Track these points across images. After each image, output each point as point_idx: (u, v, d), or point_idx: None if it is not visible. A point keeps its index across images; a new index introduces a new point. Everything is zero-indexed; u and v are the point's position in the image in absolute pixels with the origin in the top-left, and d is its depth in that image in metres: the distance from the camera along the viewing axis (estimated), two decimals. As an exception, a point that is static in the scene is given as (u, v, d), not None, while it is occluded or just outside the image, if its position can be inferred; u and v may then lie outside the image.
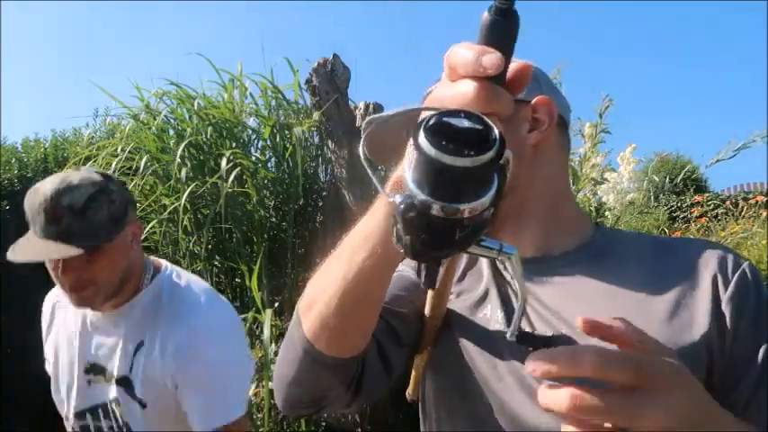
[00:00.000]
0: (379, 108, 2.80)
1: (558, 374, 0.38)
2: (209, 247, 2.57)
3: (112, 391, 1.12)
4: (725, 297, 0.61)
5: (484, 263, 0.76)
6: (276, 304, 2.48)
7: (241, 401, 1.12)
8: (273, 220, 2.80)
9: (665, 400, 0.39)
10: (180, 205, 2.37)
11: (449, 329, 0.71)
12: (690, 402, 0.41)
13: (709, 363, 0.59)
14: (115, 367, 1.12)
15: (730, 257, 0.64)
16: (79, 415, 1.16)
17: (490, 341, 0.66)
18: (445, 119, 0.32)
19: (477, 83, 0.37)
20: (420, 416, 0.76)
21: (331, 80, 2.70)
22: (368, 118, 0.73)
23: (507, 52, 0.36)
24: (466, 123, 0.32)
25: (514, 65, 0.40)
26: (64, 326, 1.21)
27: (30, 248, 1.03)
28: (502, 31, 0.35)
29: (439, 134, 0.31)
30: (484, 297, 0.71)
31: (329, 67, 2.71)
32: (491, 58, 0.36)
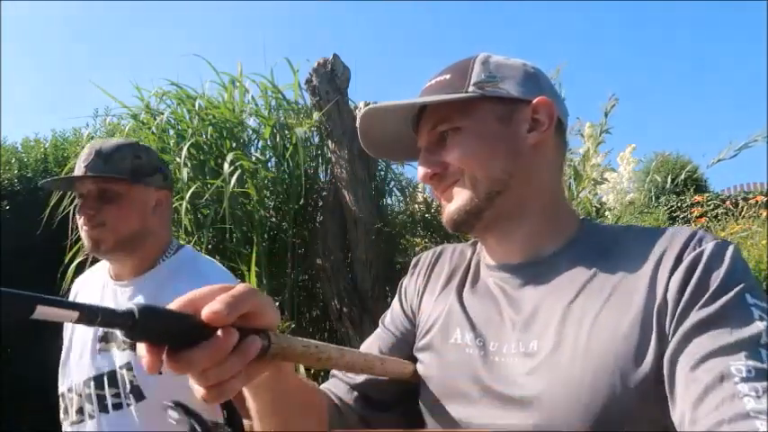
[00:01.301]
0: (379, 108, 2.80)
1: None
2: (209, 247, 2.57)
3: (124, 357, 1.13)
4: (673, 277, 0.58)
5: (456, 281, 0.78)
6: (276, 304, 2.47)
7: None
8: (273, 220, 2.80)
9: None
10: (182, 206, 2.38)
11: (429, 362, 0.73)
12: None
13: (659, 351, 0.56)
14: None
15: (696, 238, 0.61)
16: (83, 384, 1.16)
17: (467, 365, 0.68)
18: None
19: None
20: None
21: (331, 80, 2.70)
22: (363, 109, 0.75)
23: (166, 337, 0.42)
24: None
25: (204, 311, 0.44)
26: (85, 299, 1.26)
27: (62, 180, 1.30)
28: (144, 335, 0.41)
29: None
30: (451, 320, 0.73)
31: (329, 67, 2.71)
32: (145, 368, 0.42)
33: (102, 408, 1.12)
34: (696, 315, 0.54)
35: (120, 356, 1.14)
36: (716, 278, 0.56)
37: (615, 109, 2.30)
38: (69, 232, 2.39)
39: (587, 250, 0.68)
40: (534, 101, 0.70)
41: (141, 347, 0.42)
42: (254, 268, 2.38)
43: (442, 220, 0.74)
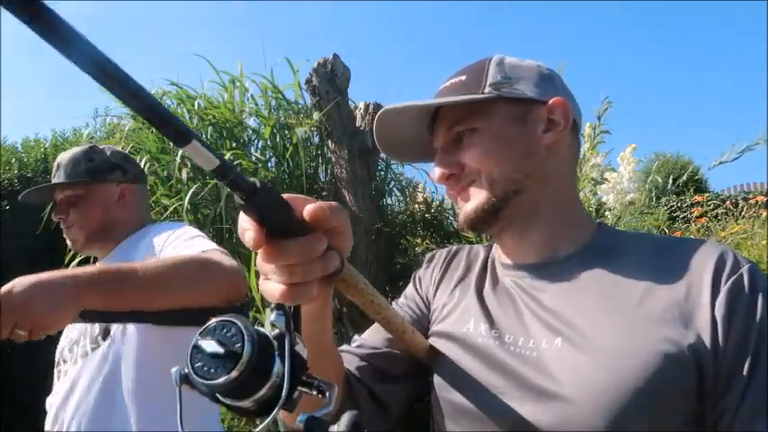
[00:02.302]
0: (378, 108, 2.80)
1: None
2: (210, 247, 2.57)
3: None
4: (717, 302, 0.59)
5: (473, 276, 0.79)
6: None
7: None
8: (273, 220, 2.80)
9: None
10: (183, 206, 2.38)
11: (440, 351, 0.73)
12: None
13: (698, 367, 0.58)
14: None
15: (729, 260, 0.62)
16: (68, 350, 1.21)
17: (478, 353, 0.68)
18: (197, 343, 0.39)
19: (260, 250, 0.43)
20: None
21: (331, 80, 2.70)
22: (379, 111, 0.76)
23: (272, 219, 0.42)
24: (212, 346, 0.38)
25: (309, 208, 0.43)
26: None
27: (36, 193, 1.37)
28: (254, 211, 0.41)
29: (193, 363, 0.39)
30: (467, 311, 0.74)
31: (329, 67, 2.71)
32: (245, 238, 0.42)
33: (74, 362, 1.17)
34: (740, 348, 0.57)
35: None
36: (760, 314, 0.58)
37: (612, 111, 2.30)
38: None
39: (605, 255, 0.69)
40: (550, 102, 0.70)
41: (247, 221, 0.42)
42: (253, 268, 2.37)
43: (459, 220, 0.75)
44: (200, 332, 0.40)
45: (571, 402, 0.58)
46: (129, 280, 0.94)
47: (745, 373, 0.56)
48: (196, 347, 0.39)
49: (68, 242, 1.34)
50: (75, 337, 1.22)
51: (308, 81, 2.75)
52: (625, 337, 0.59)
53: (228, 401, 0.39)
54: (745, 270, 0.60)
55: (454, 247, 0.86)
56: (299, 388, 0.40)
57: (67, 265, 2.51)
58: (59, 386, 1.19)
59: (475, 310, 0.72)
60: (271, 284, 0.45)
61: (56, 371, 1.25)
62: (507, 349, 0.66)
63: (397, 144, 0.81)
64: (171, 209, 2.52)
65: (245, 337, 0.38)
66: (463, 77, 0.72)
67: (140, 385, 1.11)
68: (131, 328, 1.14)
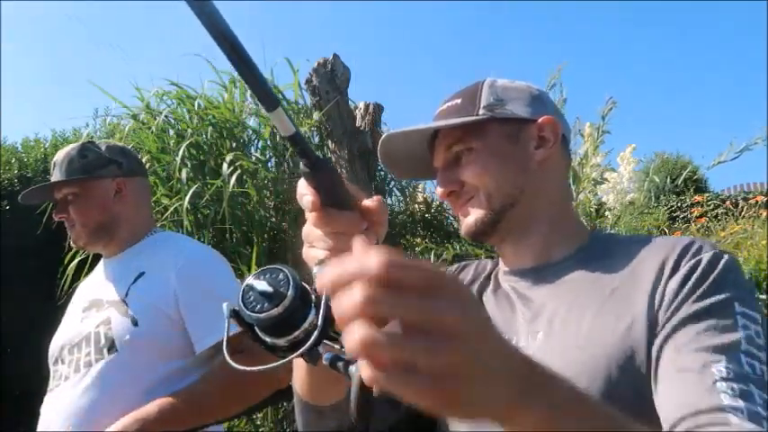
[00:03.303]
0: (378, 108, 2.80)
1: (348, 276, 0.33)
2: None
3: (102, 316, 1.20)
4: (672, 280, 0.62)
5: (476, 284, 0.84)
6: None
7: None
8: (273, 220, 2.80)
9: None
10: (182, 206, 2.38)
11: None
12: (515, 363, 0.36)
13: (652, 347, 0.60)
14: (110, 294, 1.23)
15: (695, 246, 0.65)
16: (66, 351, 1.22)
17: None
18: (250, 282, 0.46)
19: (311, 216, 0.49)
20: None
21: (331, 80, 2.70)
22: (383, 135, 0.81)
23: (331, 189, 0.48)
24: (263, 285, 0.45)
25: (370, 200, 0.50)
26: (89, 279, 1.40)
27: (34, 194, 1.38)
28: (314, 180, 0.47)
29: (244, 299, 0.46)
30: None
31: (329, 67, 2.71)
32: (303, 201, 0.48)
33: (76, 369, 1.17)
34: (686, 310, 0.60)
35: (97, 316, 1.21)
36: (710, 283, 0.61)
37: (613, 111, 2.30)
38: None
39: (594, 255, 0.73)
40: (540, 120, 0.76)
41: (306, 187, 0.48)
42: (254, 268, 2.38)
43: (461, 231, 0.80)
44: (254, 274, 0.47)
45: None
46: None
47: (682, 324, 0.59)
48: (248, 285, 0.46)
49: (72, 240, 1.34)
50: (76, 340, 1.21)
51: (308, 81, 2.75)
52: (611, 331, 0.63)
53: (267, 338, 0.46)
54: (706, 255, 0.63)
55: (463, 263, 0.92)
56: (325, 341, 0.45)
57: (67, 265, 2.50)
58: (57, 391, 1.18)
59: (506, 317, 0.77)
60: (315, 251, 0.50)
61: (52, 369, 1.24)
62: None
63: (402, 164, 0.88)
64: (171, 209, 2.52)
65: (291, 283, 0.45)
66: (458, 101, 0.79)
67: (141, 400, 1.10)
68: (138, 342, 1.15)
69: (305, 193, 0.48)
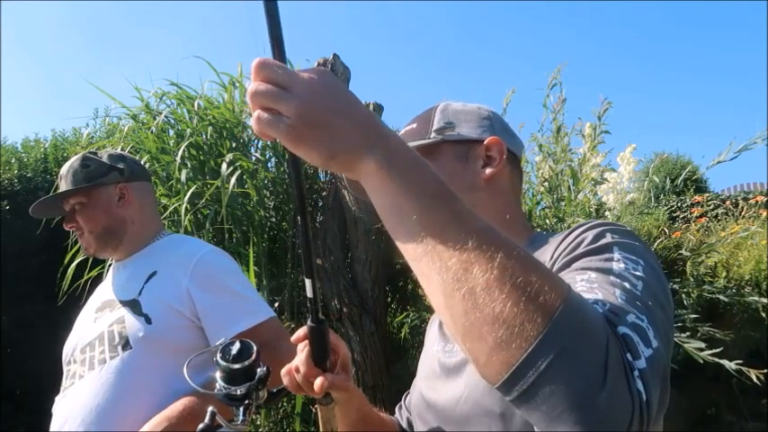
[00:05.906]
0: (378, 108, 2.80)
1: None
2: (209, 247, 2.57)
3: (115, 315, 1.22)
4: (554, 254, 0.66)
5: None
6: (276, 304, 2.48)
7: (264, 306, 1.28)
8: (273, 220, 2.80)
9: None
10: (182, 206, 2.38)
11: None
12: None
13: None
14: (123, 294, 1.26)
15: (588, 224, 0.68)
16: (79, 351, 1.23)
17: (431, 365, 0.84)
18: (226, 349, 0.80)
19: (304, 365, 0.76)
20: None
21: (331, 80, 2.70)
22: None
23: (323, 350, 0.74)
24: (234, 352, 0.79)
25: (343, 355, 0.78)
26: (104, 282, 1.42)
27: (45, 206, 1.42)
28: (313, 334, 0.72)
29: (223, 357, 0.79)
30: (430, 335, 0.92)
31: (329, 67, 2.71)
32: (299, 347, 0.77)
33: (90, 366, 1.18)
34: (564, 259, 0.64)
35: (110, 316, 1.22)
36: (592, 236, 0.65)
37: (612, 111, 2.30)
38: (69, 233, 2.39)
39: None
40: (486, 141, 0.82)
41: (303, 350, 0.73)
42: (253, 268, 2.38)
43: None
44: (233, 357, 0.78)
45: (475, 376, 0.68)
46: None
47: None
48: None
49: (83, 249, 1.40)
50: (89, 339, 1.22)
51: (308, 81, 2.74)
52: None
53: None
54: (593, 231, 0.66)
55: None
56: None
57: (67, 265, 2.51)
58: (69, 389, 1.19)
59: (434, 334, 0.89)
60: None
61: (65, 369, 1.25)
62: (446, 355, 0.80)
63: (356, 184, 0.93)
64: (171, 209, 2.52)
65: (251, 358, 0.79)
66: (414, 125, 0.86)
67: (157, 397, 1.11)
68: (152, 339, 1.16)
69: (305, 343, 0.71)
